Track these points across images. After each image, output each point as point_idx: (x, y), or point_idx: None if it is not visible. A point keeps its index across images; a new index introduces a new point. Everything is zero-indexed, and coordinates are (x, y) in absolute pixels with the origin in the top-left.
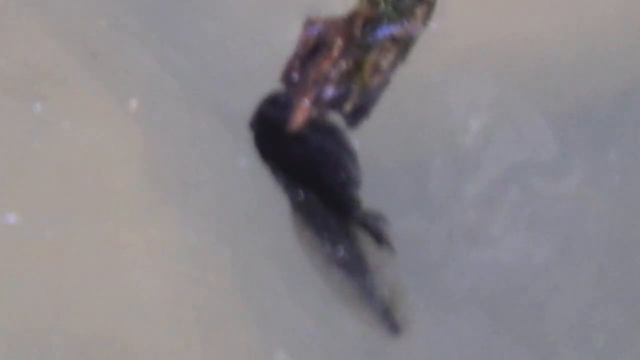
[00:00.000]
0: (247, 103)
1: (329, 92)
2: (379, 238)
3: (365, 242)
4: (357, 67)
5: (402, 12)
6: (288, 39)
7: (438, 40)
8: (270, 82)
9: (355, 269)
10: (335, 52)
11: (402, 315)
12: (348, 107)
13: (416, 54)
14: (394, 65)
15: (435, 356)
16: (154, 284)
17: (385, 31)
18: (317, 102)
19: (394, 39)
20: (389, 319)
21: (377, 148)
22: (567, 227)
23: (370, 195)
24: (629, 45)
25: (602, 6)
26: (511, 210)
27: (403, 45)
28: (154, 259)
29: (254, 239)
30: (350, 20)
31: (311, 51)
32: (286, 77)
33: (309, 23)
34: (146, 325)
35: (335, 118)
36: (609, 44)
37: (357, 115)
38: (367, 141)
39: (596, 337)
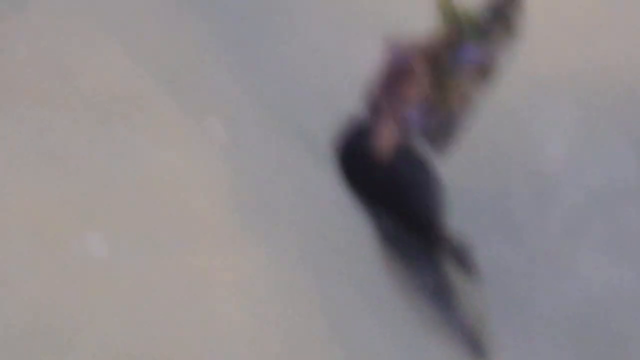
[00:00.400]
0: (328, 124)
1: (414, 116)
2: (466, 265)
3: (452, 270)
4: (443, 91)
5: (485, 36)
6: (367, 61)
7: (522, 65)
8: (351, 104)
9: (442, 297)
10: (419, 76)
11: (488, 341)
12: (434, 132)
13: (500, 79)
14: (477, 91)
15: None
16: (238, 313)
17: (469, 55)
18: (402, 127)
19: (477, 64)
20: (476, 345)
21: (461, 174)
22: None
23: (454, 222)
24: None
25: None
26: (596, 237)
27: (486, 71)
28: (238, 287)
29: (339, 267)
30: (433, 44)
31: (394, 75)
32: (370, 103)
33: (390, 46)
34: (230, 353)
35: (421, 144)
36: None
37: (443, 140)
38: (451, 167)
39: None
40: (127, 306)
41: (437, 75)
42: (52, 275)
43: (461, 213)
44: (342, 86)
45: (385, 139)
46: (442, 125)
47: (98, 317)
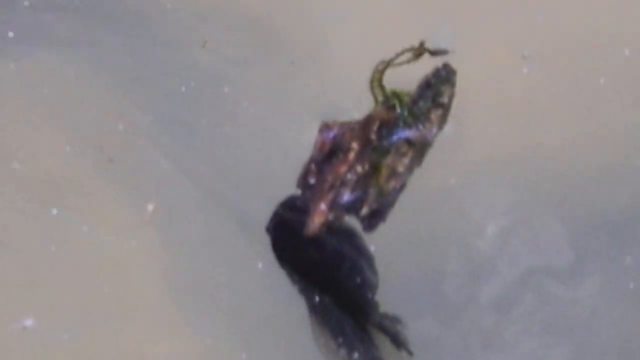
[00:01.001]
0: (264, 206)
1: (346, 196)
2: (398, 341)
3: (383, 346)
4: (374, 170)
5: (417, 116)
6: (304, 143)
7: (455, 145)
8: (287, 186)
9: None
10: (352, 156)
11: None
12: (364, 211)
13: (433, 158)
14: (410, 169)
15: None
16: None
17: (401, 135)
18: (334, 206)
19: (409, 143)
20: None
21: (393, 252)
22: (581, 333)
23: (386, 298)
24: None
25: (618, 116)
26: (526, 315)
27: (419, 149)
28: None
29: (270, 342)
30: (366, 124)
31: (327, 155)
32: (303, 181)
33: (325, 127)
34: None
35: (352, 222)
36: (624, 152)
37: (374, 219)
38: (382, 245)
39: None
40: None
41: (369, 155)
42: None
43: (393, 291)
44: (282, 169)
45: (317, 217)
46: (372, 202)
47: None
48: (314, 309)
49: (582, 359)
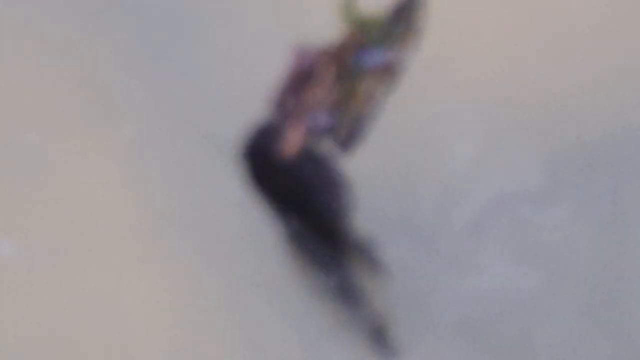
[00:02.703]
0: (239, 130)
1: (321, 119)
2: (374, 265)
3: (359, 269)
4: (349, 94)
5: (391, 40)
6: (279, 67)
7: (431, 70)
8: (261, 110)
9: (347, 296)
10: (327, 79)
11: (394, 339)
12: (340, 134)
13: (408, 82)
14: (384, 92)
15: None
16: (141, 310)
17: (375, 58)
18: (309, 129)
19: (384, 66)
20: (384, 343)
21: (368, 176)
22: (555, 257)
23: (361, 223)
24: (620, 77)
25: (593, 46)
26: (499, 239)
27: (393, 72)
28: (144, 289)
29: (245, 267)
30: (341, 48)
31: (302, 79)
32: (278, 105)
33: (300, 51)
34: (128, 347)
35: (327, 145)
36: (599, 79)
37: (349, 142)
38: (358, 169)
39: None
40: (28, 303)
41: (343, 78)
42: None
43: (367, 213)
44: (251, 91)
45: (291, 141)
46: (348, 126)
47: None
48: (289, 234)
49: (555, 283)
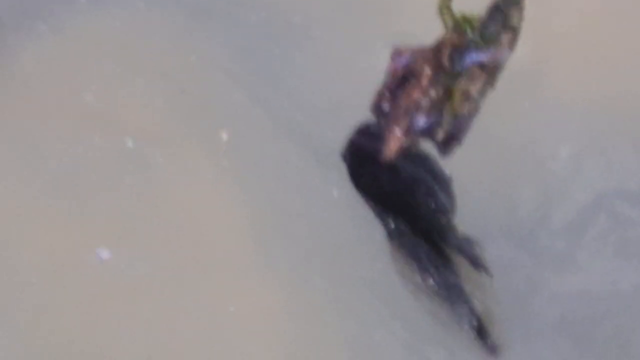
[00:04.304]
0: (338, 133)
1: (421, 121)
2: (476, 263)
3: (460, 270)
4: (447, 95)
5: (488, 39)
6: (376, 69)
7: (529, 69)
8: (360, 112)
9: (449, 296)
10: (425, 81)
11: (495, 338)
12: (440, 135)
13: (506, 82)
14: (483, 93)
15: None
16: (247, 316)
17: (473, 58)
18: (409, 131)
19: (481, 66)
20: (486, 342)
21: (468, 176)
22: None
23: (461, 222)
24: None
25: None
26: (599, 238)
27: (491, 72)
28: (246, 288)
29: (347, 269)
30: (437, 49)
31: (400, 81)
32: (377, 108)
33: (397, 53)
34: (236, 351)
35: (427, 147)
36: None
37: (449, 143)
38: (458, 169)
39: None
40: (129, 309)
41: (442, 80)
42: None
43: (467, 214)
44: (355, 95)
45: (393, 143)
46: (447, 127)
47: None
48: (390, 235)
49: None
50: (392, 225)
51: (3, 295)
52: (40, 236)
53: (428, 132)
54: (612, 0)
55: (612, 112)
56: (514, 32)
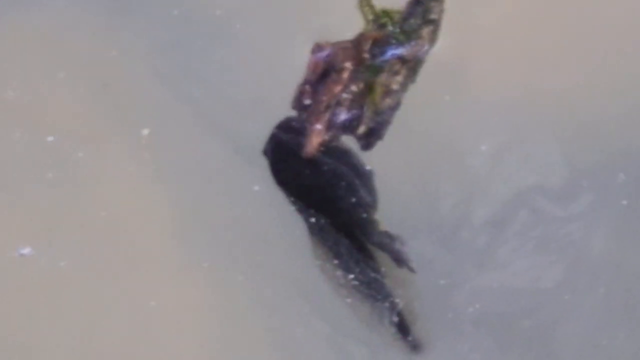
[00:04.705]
0: (260, 129)
1: (342, 115)
2: (398, 258)
3: (382, 264)
4: (368, 89)
5: (408, 33)
6: (298, 65)
7: (450, 63)
8: (282, 108)
9: (369, 292)
10: (346, 75)
11: (417, 335)
12: (361, 129)
13: (427, 76)
14: (404, 87)
15: None
16: (168, 310)
17: (394, 52)
18: (330, 125)
19: (402, 60)
20: (408, 338)
21: (389, 171)
22: (574, 250)
23: (382, 218)
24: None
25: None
26: (520, 233)
27: (412, 66)
28: (167, 283)
29: (268, 264)
30: (358, 43)
31: (321, 76)
32: (298, 103)
33: (318, 48)
34: (159, 346)
35: (348, 141)
36: (617, 71)
37: (370, 137)
38: (379, 164)
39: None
40: (49, 301)
41: (363, 74)
42: None
43: (388, 209)
44: (277, 91)
45: (314, 138)
46: (368, 121)
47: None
48: (311, 230)
49: (575, 277)
50: (313, 220)
51: None
52: None
53: (349, 127)
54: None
55: (533, 107)
56: (435, 25)
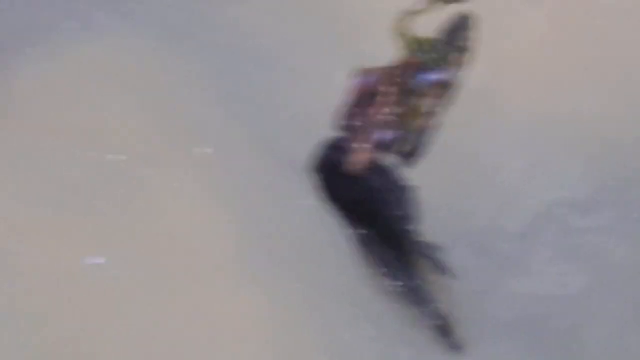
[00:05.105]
0: (306, 147)
1: (387, 135)
2: (440, 266)
3: (425, 272)
4: (411, 111)
5: (445, 59)
6: (336, 88)
7: (485, 88)
8: (324, 128)
9: (414, 298)
10: (391, 98)
11: (458, 337)
12: (405, 149)
13: (465, 100)
14: (444, 108)
15: None
16: (224, 316)
17: (433, 77)
18: (376, 145)
19: (442, 85)
20: (450, 341)
21: (429, 186)
22: (599, 259)
23: (424, 229)
24: None
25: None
26: (549, 244)
27: (450, 90)
28: (227, 293)
29: (320, 274)
30: (401, 69)
31: (366, 98)
32: (343, 123)
33: (363, 73)
34: (219, 353)
35: (392, 159)
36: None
37: (413, 156)
38: (420, 180)
39: None
40: (122, 311)
41: (405, 96)
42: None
43: (430, 223)
44: (321, 111)
45: (359, 156)
46: (411, 141)
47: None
48: (359, 241)
49: (600, 284)
50: (361, 233)
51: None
52: (41, 243)
53: (394, 146)
54: (558, 24)
55: (560, 128)
56: (469, 53)
